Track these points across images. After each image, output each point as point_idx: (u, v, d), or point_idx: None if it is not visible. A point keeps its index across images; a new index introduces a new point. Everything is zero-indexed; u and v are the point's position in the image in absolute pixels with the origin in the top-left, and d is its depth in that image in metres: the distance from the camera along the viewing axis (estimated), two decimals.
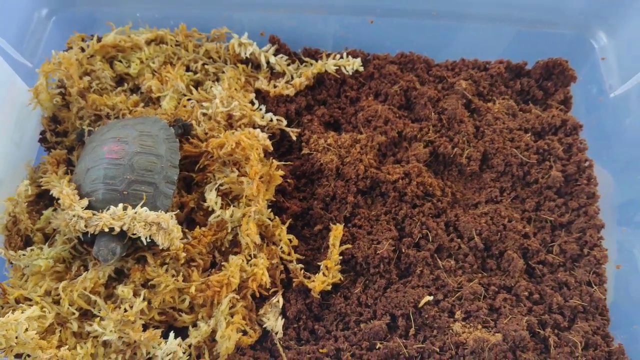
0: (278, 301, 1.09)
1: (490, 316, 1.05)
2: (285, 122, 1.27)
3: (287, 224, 1.17)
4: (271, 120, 1.26)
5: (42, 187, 1.15)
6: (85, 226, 1.01)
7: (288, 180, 1.22)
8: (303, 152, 1.25)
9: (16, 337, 0.91)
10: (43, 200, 1.18)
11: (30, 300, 1.02)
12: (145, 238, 1.01)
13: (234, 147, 1.14)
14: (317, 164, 1.22)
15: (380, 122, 1.26)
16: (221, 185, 1.15)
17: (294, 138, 1.26)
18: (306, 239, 1.19)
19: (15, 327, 0.91)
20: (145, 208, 1.03)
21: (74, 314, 1.00)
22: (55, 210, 1.11)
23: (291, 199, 1.22)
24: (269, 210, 1.16)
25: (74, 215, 1.01)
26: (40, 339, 0.95)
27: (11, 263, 1.09)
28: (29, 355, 0.95)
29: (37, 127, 1.26)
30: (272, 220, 1.16)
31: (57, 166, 1.18)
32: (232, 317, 1.04)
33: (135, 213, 1.02)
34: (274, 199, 1.19)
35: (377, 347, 1.04)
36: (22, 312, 0.94)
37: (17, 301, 1.02)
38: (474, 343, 1.00)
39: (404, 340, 1.04)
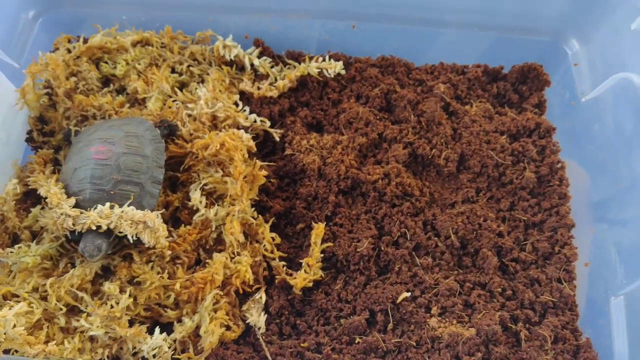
0: (261, 297, 1.13)
1: (465, 311, 1.09)
2: (268, 123, 1.30)
3: (270, 223, 1.20)
4: (255, 121, 1.29)
5: (30, 186, 1.17)
6: (73, 224, 1.03)
7: (271, 180, 1.25)
8: (286, 153, 1.28)
9: (4, 334, 0.94)
10: (30, 198, 1.20)
11: (18, 296, 1.04)
12: (132, 236, 1.04)
13: (218, 148, 1.17)
14: (299, 165, 1.25)
15: (362, 124, 1.30)
16: (205, 184, 1.18)
17: (277, 139, 1.30)
18: (289, 237, 1.22)
19: (3, 324, 0.93)
20: (131, 207, 1.05)
21: (61, 309, 1.03)
22: (43, 208, 1.14)
23: (274, 198, 1.25)
24: (253, 209, 1.19)
25: (61, 214, 1.03)
26: (28, 334, 0.97)
27: None
28: (17, 351, 0.97)
29: (24, 126, 1.28)
30: (255, 219, 1.19)
31: (44, 165, 1.21)
32: (215, 312, 1.07)
33: (122, 212, 1.04)
34: (258, 199, 1.22)
35: (356, 342, 1.07)
36: (10, 309, 0.96)
37: (5, 297, 1.04)
38: (448, 337, 1.04)
39: (382, 335, 1.08)
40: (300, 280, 1.13)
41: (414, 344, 1.06)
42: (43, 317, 1.03)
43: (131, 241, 1.05)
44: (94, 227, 1.03)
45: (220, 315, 1.06)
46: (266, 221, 1.20)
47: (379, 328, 1.09)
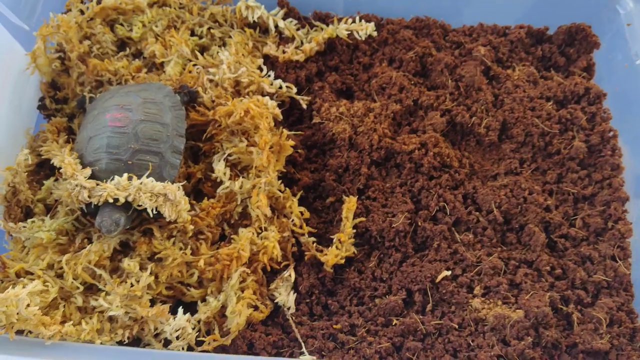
0: (290, 275, 1.05)
1: (510, 292, 1.01)
2: (295, 90, 1.21)
3: (298, 196, 1.12)
4: (280, 87, 1.20)
5: (42, 157, 1.10)
6: (89, 196, 0.96)
7: (299, 150, 1.17)
8: (314, 121, 1.19)
9: (17, 314, 0.87)
10: (43, 170, 1.12)
11: (31, 274, 0.98)
12: (152, 209, 0.96)
13: (242, 115, 1.08)
14: (328, 134, 1.17)
15: (395, 90, 1.21)
16: (229, 155, 1.10)
17: (305, 106, 1.21)
18: (318, 211, 1.14)
19: (16, 303, 0.86)
20: (151, 178, 0.98)
21: (78, 288, 0.96)
22: (56, 180, 1.06)
23: (302, 170, 1.17)
24: (280, 181, 1.12)
25: (76, 185, 0.96)
26: (42, 314, 0.90)
27: (11, 235, 1.04)
28: (30, 332, 0.91)
29: (36, 93, 1.20)
30: (282, 192, 1.11)
31: (57, 134, 1.13)
32: (242, 291, 1.00)
33: (141, 183, 0.97)
34: (284, 170, 1.14)
35: (393, 323, 1.00)
36: (24, 287, 0.89)
37: (18, 275, 0.98)
38: (494, 320, 0.96)
39: (421, 317, 1.00)
40: (331, 256, 1.05)
41: (456, 326, 0.98)
42: (59, 296, 0.96)
43: (151, 215, 0.97)
44: (111, 200, 0.95)
45: (247, 295, 0.99)
46: (294, 194, 1.12)
47: (416, 309, 1.02)
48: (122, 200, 0.95)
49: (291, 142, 1.12)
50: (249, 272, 1.02)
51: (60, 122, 1.16)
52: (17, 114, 1.15)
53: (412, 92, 1.20)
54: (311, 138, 1.19)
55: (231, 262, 1.01)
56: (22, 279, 0.96)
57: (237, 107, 1.09)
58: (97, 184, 0.97)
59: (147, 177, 0.98)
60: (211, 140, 1.13)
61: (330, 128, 1.17)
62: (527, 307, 0.98)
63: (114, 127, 1.01)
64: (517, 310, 0.98)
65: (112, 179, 0.97)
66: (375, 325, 1.01)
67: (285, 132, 1.12)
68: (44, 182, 1.07)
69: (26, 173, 1.07)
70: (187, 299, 1.02)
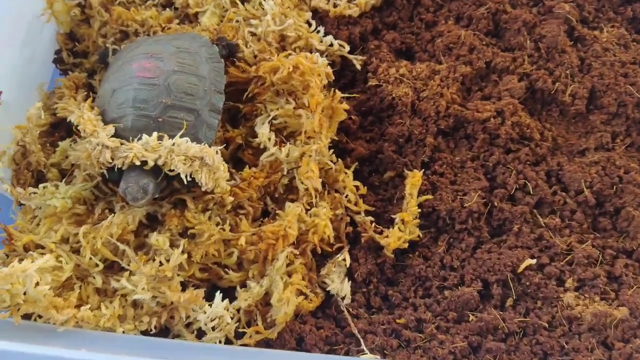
0: (344, 259, 0.89)
1: (609, 286, 0.85)
2: (347, 48, 1.05)
3: (352, 169, 0.96)
4: (331, 45, 1.04)
5: (58, 115, 0.95)
6: (112, 158, 0.81)
7: (352, 117, 1.01)
8: (370, 84, 1.04)
9: (24, 293, 0.72)
10: (58, 130, 0.98)
11: (42, 248, 0.83)
12: (186, 176, 0.81)
13: (290, 71, 0.92)
14: (387, 98, 1.01)
15: (464, 50, 1.05)
16: (274, 119, 0.94)
17: (359, 67, 1.05)
18: (374, 187, 0.99)
19: (23, 280, 0.71)
20: (185, 138, 0.82)
21: (97, 266, 0.81)
22: (74, 142, 0.90)
23: (356, 139, 1.01)
24: (331, 151, 0.96)
25: (97, 144, 0.81)
26: (54, 295, 0.75)
27: (20, 204, 0.89)
28: (40, 316, 0.75)
29: (52, 44, 1.05)
30: (334, 164, 0.95)
31: (75, 91, 0.98)
32: (289, 276, 0.84)
33: (174, 144, 0.81)
34: (336, 139, 0.98)
35: (468, 319, 0.84)
36: (33, 262, 0.74)
37: (27, 249, 0.83)
38: (592, 318, 0.80)
39: (500, 312, 0.85)
40: (393, 239, 0.89)
41: (545, 324, 0.83)
42: (74, 274, 0.81)
43: (185, 182, 0.81)
44: (137, 163, 0.80)
45: (295, 280, 0.83)
46: (346, 167, 0.97)
47: (494, 303, 0.87)
48: (150, 163, 0.80)
49: (345, 106, 0.97)
50: (297, 253, 0.87)
51: (79, 77, 1.01)
52: (29, 66, 1.01)
53: (485, 53, 1.04)
54: (366, 103, 1.03)
55: (277, 241, 0.85)
56: (31, 252, 0.81)
57: (284, 62, 0.93)
58: (122, 144, 0.81)
59: (181, 137, 0.82)
60: (253, 101, 0.97)
61: (389, 92, 1.01)
62: (631, 303, 0.82)
63: (142, 77, 0.86)
64: (620, 308, 0.82)
65: (140, 138, 0.82)
66: (445, 321, 0.85)
67: (339, 93, 0.96)
68: (59, 143, 0.92)
69: (38, 131, 0.92)
70: (223, 284, 0.86)
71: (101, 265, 0.81)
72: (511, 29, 1.07)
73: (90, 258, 0.81)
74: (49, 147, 0.94)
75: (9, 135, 0.91)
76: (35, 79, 1.00)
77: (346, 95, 1.01)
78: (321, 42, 1.04)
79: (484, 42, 1.07)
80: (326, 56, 1.04)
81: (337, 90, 0.97)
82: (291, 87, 0.94)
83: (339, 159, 0.97)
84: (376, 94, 1.03)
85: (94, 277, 0.81)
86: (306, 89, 0.94)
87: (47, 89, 1.01)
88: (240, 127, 0.97)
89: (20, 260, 0.76)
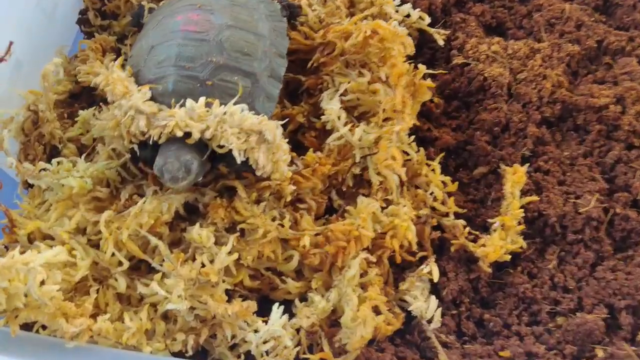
0: (430, 272, 0.70)
1: None
2: (428, 20, 0.87)
3: (438, 160, 0.78)
4: (408, 15, 0.87)
5: (80, 83, 0.78)
6: (147, 127, 0.63)
7: (434, 100, 0.83)
8: (455, 63, 0.87)
9: (25, 295, 0.54)
10: (79, 102, 0.81)
11: (52, 239, 0.65)
12: (240, 153, 0.63)
13: (367, 36, 0.75)
14: (477, 80, 0.84)
15: (570, 27, 0.88)
16: (343, 95, 0.76)
17: (441, 43, 0.87)
18: (463, 185, 0.81)
19: (24, 276, 0.53)
20: (241, 106, 0.64)
21: (121, 264, 0.63)
22: (98, 111, 0.73)
23: (439, 127, 0.83)
24: (411, 138, 0.78)
25: (129, 108, 0.63)
26: (64, 299, 0.57)
27: (28, 186, 0.72)
28: (44, 327, 0.57)
29: (76, 3, 0.89)
30: (416, 153, 0.77)
31: (102, 54, 0.81)
32: (363, 289, 0.66)
33: (225, 113, 0.63)
34: (417, 124, 0.80)
35: (592, 354, 0.65)
36: (39, 253, 0.55)
37: (31, 240, 0.65)
38: None
39: (634, 348, 0.65)
40: (492, 249, 0.71)
41: None
42: (91, 274, 0.63)
43: (236, 164, 0.63)
44: (180, 134, 0.62)
45: (373, 295, 0.65)
46: (429, 159, 0.78)
47: (624, 336, 0.68)
48: (195, 135, 0.62)
49: (429, 83, 0.79)
50: (373, 261, 0.68)
51: (107, 40, 0.85)
52: (50, 21, 0.84)
53: (596, 31, 0.86)
54: (450, 85, 0.86)
55: (348, 243, 0.66)
56: (37, 243, 0.63)
57: (359, 26, 0.76)
58: (160, 110, 0.64)
59: (235, 105, 0.64)
60: (317, 73, 0.80)
61: (480, 71, 0.84)
62: None
63: (188, 31, 0.69)
64: None
65: (184, 104, 0.64)
66: (562, 356, 0.66)
67: (423, 67, 0.78)
68: (80, 113, 0.75)
69: (55, 99, 0.74)
70: (277, 296, 0.68)
71: (126, 264, 0.63)
72: (625, 4, 0.90)
73: (113, 254, 0.63)
74: (66, 120, 0.78)
75: (20, 100, 0.74)
76: (56, 40, 0.83)
77: (430, 71, 0.83)
78: (397, 11, 0.87)
79: (593, 19, 0.89)
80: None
81: (421, 65, 0.79)
82: (366, 56, 0.77)
83: (421, 148, 0.79)
84: (463, 74, 0.86)
85: (116, 279, 0.63)
86: (384, 60, 0.76)
87: (69, 54, 0.84)
88: (301, 104, 0.79)
89: (22, 252, 0.58)
